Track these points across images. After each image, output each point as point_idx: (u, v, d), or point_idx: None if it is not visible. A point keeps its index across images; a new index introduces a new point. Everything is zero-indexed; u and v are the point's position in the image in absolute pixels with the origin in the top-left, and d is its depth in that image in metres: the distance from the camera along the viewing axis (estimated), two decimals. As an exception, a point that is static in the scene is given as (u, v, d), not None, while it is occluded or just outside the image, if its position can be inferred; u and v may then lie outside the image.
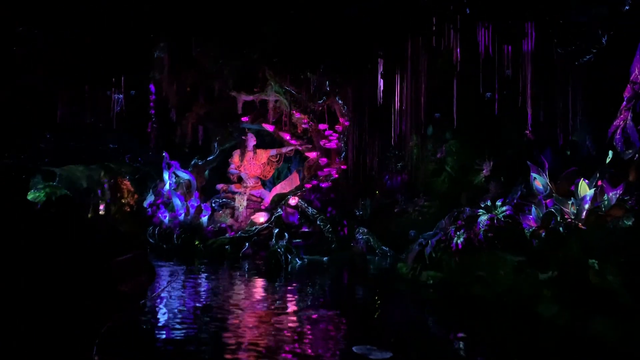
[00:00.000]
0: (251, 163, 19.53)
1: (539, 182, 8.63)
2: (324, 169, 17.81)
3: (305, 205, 16.60)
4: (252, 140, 19.83)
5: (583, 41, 11.86)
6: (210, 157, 20.33)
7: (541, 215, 7.98)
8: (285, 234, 15.35)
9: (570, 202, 7.42)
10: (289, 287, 10.53)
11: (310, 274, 12.41)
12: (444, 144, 17.37)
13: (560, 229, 7.24)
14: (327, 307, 7.84)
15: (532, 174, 8.93)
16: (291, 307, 8.01)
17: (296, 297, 9.18)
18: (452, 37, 15.29)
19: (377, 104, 17.35)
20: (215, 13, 15.71)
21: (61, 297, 5.76)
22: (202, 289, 9.86)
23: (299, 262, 13.78)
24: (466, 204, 16.60)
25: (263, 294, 9.54)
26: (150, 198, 17.92)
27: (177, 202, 17.19)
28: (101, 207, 17.72)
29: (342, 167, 18.26)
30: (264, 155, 19.87)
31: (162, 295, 8.59)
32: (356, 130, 18.81)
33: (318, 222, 16.21)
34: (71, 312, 5.77)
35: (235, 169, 19.32)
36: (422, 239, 10.96)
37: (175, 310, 7.55)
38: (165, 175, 18.05)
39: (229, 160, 19.57)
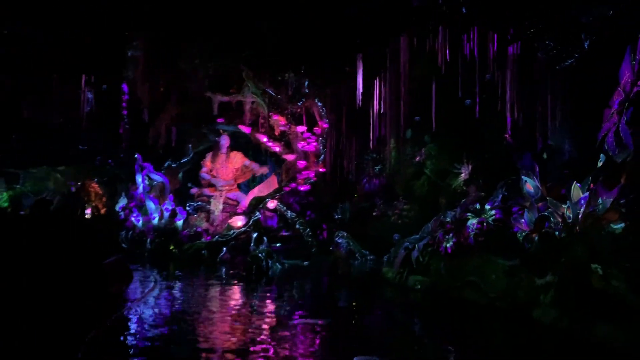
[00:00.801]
0: (224, 166, 19.04)
1: (530, 185, 8.55)
2: (303, 172, 17.52)
3: (284, 208, 16.29)
4: (225, 142, 19.32)
5: (566, 45, 11.90)
6: (184, 160, 19.83)
7: (534, 219, 7.89)
8: (264, 238, 15.01)
9: (565, 206, 7.34)
10: (276, 295, 10.21)
11: (294, 279, 12.11)
12: (423, 148, 17.29)
13: (557, 232, 7.15)
14: (318, 315, 7.56)
15: (522, 177, 8.84)
16: (283, 317, 7.70)
17: (285, 306, 8.85)
18: (437, 39, 15.32)
19: (356, 106, 17.22)
20: (193, 11, 15.29)
21: (63, 296, 5.92)
22: (185, 298, 9.44)
23: (280, 267, 13.45)
24: (445, 208, 16.63)
25: (251, 303, 9.18)
26: (123, 201, 17.32)
27: (150, 205, 16.64)
28: (88, 210, 17.03)
29: (320, 169, 18.01)
30: (238, 158, 19.37)
31: (147, 300, 8.18)
32: (335, 132, 18.62)
33: (297, 226, 15.92)
34: (72, 309, 6.04)
35: (207, 173, 18.80)
36: (408, 243, 10.79)
37: (164, 317, 7.18)
38: (138, 178, 17.48)
39: (202, 162, 19.06)
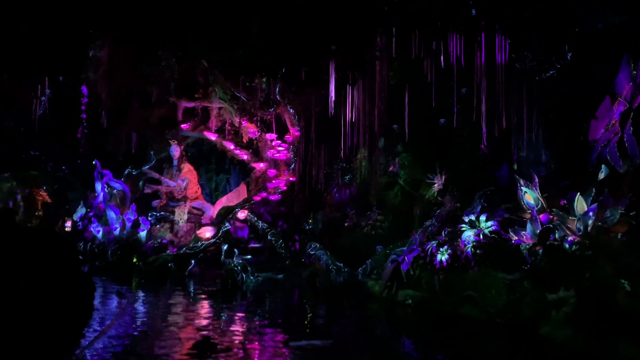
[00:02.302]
0: (175, 178, 18.04)
1: (530, 196, 8.30)
2: (273, 181, 16.90)
3: (255, 219, 15.61)
4: (176, 152, 18.35)
5: (547, 56, 11.88)
6: (146, 167, 18.81)
7: (537, 230, 7.62)
8: (235, 250, 14.30)
9: (575, 218, 7.08)
10: (262, 314, 9.52)
11: (273, 295, 11.50)
12: (396, 157, 17.02)
13: (566, 245, 6.88)
14: (318, 336, 6.99)
15: (521, 187, 8.58)
16: (278, 341, 7.08)
17: (278, 325, 8.20)
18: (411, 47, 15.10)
19: (328, 114, 16.80)
20: (161, 11, 14.49)
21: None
22: (159, 323, 8.66)
23: (254, 280, 12.78)
24: (420, 218, 16.39)
25: (240, 323, 8.50)
26: (81, 211, 16.20)
27: (111, 215, 15.63)
28: (68, 223, 15.85)
29: (291, 179, 17.45)
30: (185, 169, 18.37)
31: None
32: (307, 141, 18.13)
33: (269, 237, 15.26)
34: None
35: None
36: (395, 255, 10.38)
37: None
38: (98, 186, 16.42)
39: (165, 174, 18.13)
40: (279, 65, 14.23)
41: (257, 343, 6.74)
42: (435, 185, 16.54)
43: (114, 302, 9.38)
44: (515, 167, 15.81)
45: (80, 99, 16.58)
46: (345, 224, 17.47)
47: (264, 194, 16.47)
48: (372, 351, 6.55)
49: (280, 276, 13.96)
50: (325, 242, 16.25)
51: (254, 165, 17.79)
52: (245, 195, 16.83)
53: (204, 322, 8.06)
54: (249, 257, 14.63)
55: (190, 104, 17.93)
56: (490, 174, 15.36)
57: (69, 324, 6.78)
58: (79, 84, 16.41)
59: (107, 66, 15.61)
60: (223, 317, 8.58)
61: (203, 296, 10.99)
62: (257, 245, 15.34)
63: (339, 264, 15.20)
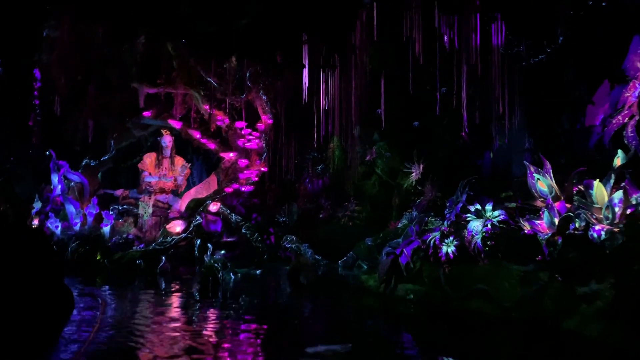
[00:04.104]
0: (165, 172, 16.93)
1: (543, 183, 7.89)
2: (245, 171, 16.06)
3: (228, 211, 14.74)
4: (168, 142, 17.25)
5: (539, 40, 11.57)
6: (105, 157, 17.56)
7: (555, 220, 7.21)
8: (209, 244, 13.44)
9: (604, 206, 6.69)
10: (255, 314, 8.76)
11: (258, 293, 10.73)
12: (373, 146, 16.48)
13: (594, 234, 6.48)
14: (330, 340, 6.34)
15: (533, 174, 8.15)
16: (292, 343, 6.37)
17: (283, 330, 7.45)
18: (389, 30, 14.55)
19: (301, 101, 16.09)
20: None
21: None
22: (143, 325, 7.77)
23: (233, 277, 11.97)
24: (398, 208, 15.96)
25: (245, 330, 7.71)
26: (37, 205, 14.86)
27: (70, 209, 14.41)
28: (35, 221, 14.46)
29: (263, 169, 16.65)
30: (179, 165, 17.41)
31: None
32: (277, 129, 17.34)
33: (243, 231, 14.44)
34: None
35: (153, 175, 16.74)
36: (390, 248, 9.82)
37: None
38: (55, 178, 15.10)
39: (139, 166, 16.88)
40: (261, 47, 13.33)
41: (272, 352, 6.04)
42: (413, 174, 16.14)
43: (87, 306, 8.42)
44: (491, 155, 15.64)
45: (32, 83, 15.19)
46: (320, 216, 16.86)
47: (236, 185, 15.62)
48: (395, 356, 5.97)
49: (258, 272, 13.21)
50: (301, 235, 15.61)
51: (222, 155, 16.88)
52: (216, 187, 15.92)
53: (204, 330, 7.19)
54: (223, 252, 13.78)
55: (153, 90, 16.84)
56: (470, 162, 15.09)
57: (47, 320, 6.14)
58: (30, 66, 15.03)
59: (63, 47, 14.31)
60: (225, 325, 7.63)
61: (184, 297, 10.09)
62: (231, 239, 14.49)
63: (317, 257, 14.60)
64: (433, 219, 11.30)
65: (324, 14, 14.79)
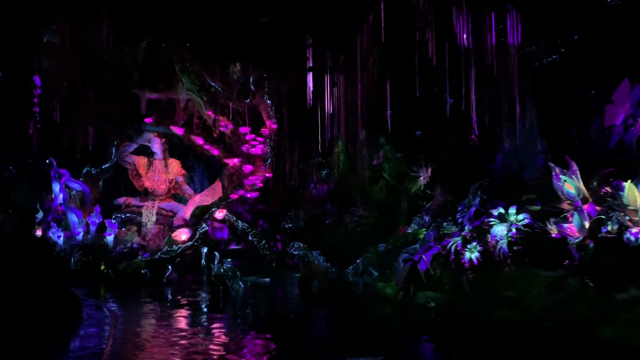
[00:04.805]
0: (159, 175, 16.60)
1: (570, 185, 7.63)
2: (249, 177, 15.74)
3: (234, 218, 14.43)
4: (158, 146, 16.90)
5: (551, 39, 11.36)
6: (106, 165, 17.16)
7: (585, 222, 6.96)
8: (216, 253, 13.12)
9: (639, 208, 6.44)
10: (267, 322, 8.47)
11: (271, 303, 10.44)
12: (380, 150, 16.23)
13: (630, 238, 6.23)
14: (360, 351, 6.03)
15: (560, 176, 7.88)
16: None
17: (313, 341, 7.12)
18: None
19: (303, 105, 15.81)
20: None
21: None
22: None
23: (242, 286, 11.65)
24: (407, 213, 15.70)
25: (268, 345, 7.27)
26: (39, 215, 14.50)
27: (73, 218, 14.05)
28: (38, 231, 14.10)
29: (267, 175, 16.33)
30: (175, 169, 17.04)
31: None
32: (280, 134, 17.04)
33: (250, 238, 14.13)
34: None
35: (140, 183, 16.42)
36: (407, 254, 9.55)
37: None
38: (56, 187, 14.74)
39: (130, 168, 16.58)
40: (266, 50, 13.04)
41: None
42: (421, 178, 15.90)
43: (96, 320, 8.08)
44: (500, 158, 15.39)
45: (32, 90, 14.82)
46: (327, 221, 16.58)
47: (241, 192, 15.30)
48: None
49: (267, 280, 12.90)
50: (307, 241, 15.34)
51: (226, 161, 16.55)
52: (221, 194, 15.58)
53: (230, 350, 6.80)
54: (229, 260, 13.45)
55: (155, 96, 16.56)
56: (480, 165, 14.84)
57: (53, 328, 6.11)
58: (30, 72, 14.67)
59: (63, 52, 13.95)
60: (250, 340, 7.22)
61: (196, 309, 9.75)
62: (238, 247, 14.19)
63: (326, 264, 14.35)
64: (445, 224, 11.07)
65: (329, 16, 14.59)
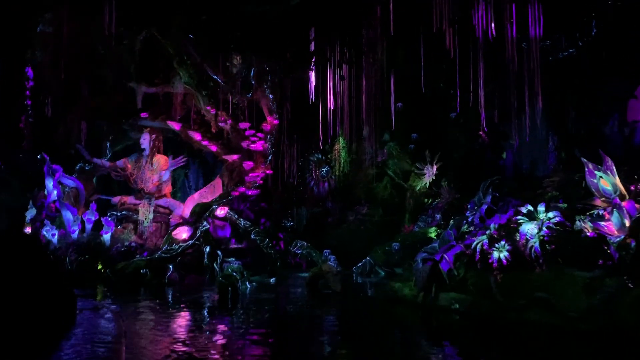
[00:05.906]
0: (145, 172, 16.02)
1: (606, 182, 7.31)
2: (250, 174, 15.27)
3: (236, 216, 13.96)
4: (146, 141, 16.35)
5: (571, 33, 11.07)
6: (103, 159, 16.56)
7: (626, 221, 6.64)
8: (218, 252, 12.65)
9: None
10: (282, 326, 8.02)
11: (281, 304, 9.97)
12: (384, 147, 15.87)
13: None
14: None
15: (593, 171, 7.54)
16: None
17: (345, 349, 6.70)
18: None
19: (304, 101, 15.40)
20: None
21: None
22: None
23: (249, 286, 11.20)
24: (413, 211, 15.36)
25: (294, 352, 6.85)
26: (32, 212, 13.88)
27: (67, 215, 13.46)
28: (27, 229, 13.47)
29: (268, 171, 15.86)
30: (161, 162, 16.46)
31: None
32: (280, 130, 16.59)
33: (253, 237, 13.67)
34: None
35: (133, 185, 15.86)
36: (426, 254, 9.17)
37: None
38: (49, 183, 14.12)
39: (119, 162, 16.04)
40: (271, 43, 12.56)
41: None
42: (426, 175, 15.59)
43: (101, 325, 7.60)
44: (504, 156, 15.12)
45: (24, 83, 14.19)
46: (329, 220, 16.19)
47: (242, 189, 14.82)
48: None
49: (273, 280, 12.46)
50: (308, 240, 14.93)
51: (225, 157, 16.05)
52: (221, 191, 15.09)
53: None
54: (232, 259, 12.99)
55: (152, 90, 16.00)
56: (489, 163, 14.55)
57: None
58: (22, 65, 14.04)
59: (58, 43, 13.34)
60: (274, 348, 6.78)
61: (205, 312, 9.26)
62: (239, 245, 13.72)
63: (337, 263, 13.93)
64: (451, 221, 10.73)
65: (336, 10, 14.17)
